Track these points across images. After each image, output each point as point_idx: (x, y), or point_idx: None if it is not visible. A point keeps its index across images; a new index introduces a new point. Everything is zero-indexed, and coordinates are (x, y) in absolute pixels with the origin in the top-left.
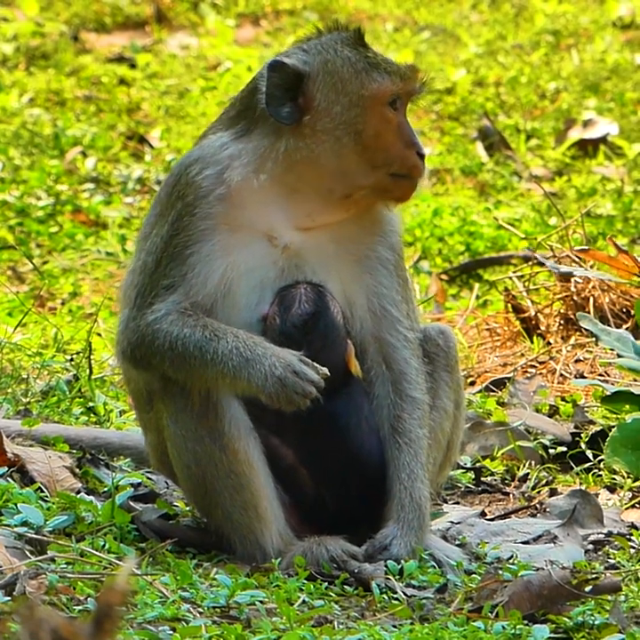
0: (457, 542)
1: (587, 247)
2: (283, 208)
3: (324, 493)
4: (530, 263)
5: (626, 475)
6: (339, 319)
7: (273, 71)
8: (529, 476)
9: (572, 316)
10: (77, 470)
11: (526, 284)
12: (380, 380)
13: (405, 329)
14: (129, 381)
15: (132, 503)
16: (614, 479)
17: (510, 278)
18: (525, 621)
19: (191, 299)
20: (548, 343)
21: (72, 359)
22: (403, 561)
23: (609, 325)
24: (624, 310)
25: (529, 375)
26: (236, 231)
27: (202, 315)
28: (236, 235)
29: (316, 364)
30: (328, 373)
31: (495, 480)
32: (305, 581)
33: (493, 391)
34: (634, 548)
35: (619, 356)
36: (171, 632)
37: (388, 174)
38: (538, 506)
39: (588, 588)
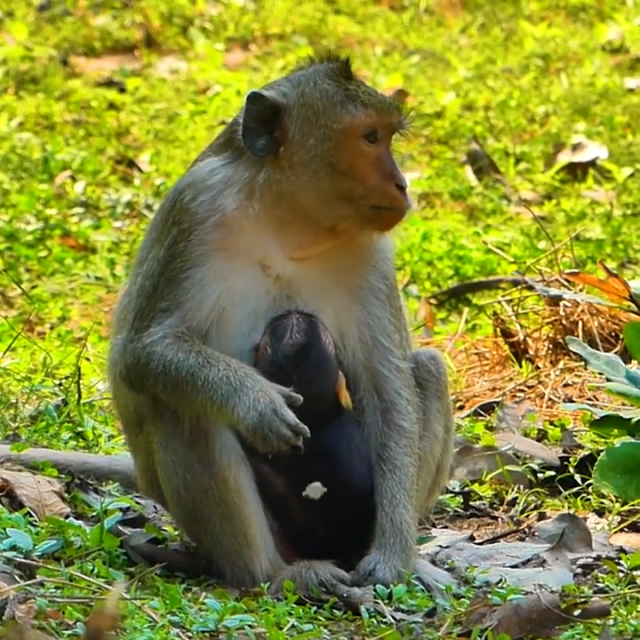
0: (446, 566)
1: (577, 270)
2: (275, 238)
3: (314, 521)
4: (519, 287)
5: (614, 499)
6: (330, 350)
7: (251, 103)
8: (517, 500)
9: (560, 341)
10: (66, 495)
11: (515, 308)
12: (370, 408)
13: (397, 359)
14: (119, 404)
15: (120, 528)
16: (603, 503)
17: (499, 302)
18: None
19: (187, 323)
20: (537, 367)
21: (61, 384)
22: (391, 585)
23: (598, 349)
24: (613, 334)
25: (517, 399)
26: (231, 258)
27: (197, 341)
28: (231, 262)
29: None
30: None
31: (484, 504)
32: (294, 605)
33: (482, 415)
34: (622, 571)
35: (608, 379)
36: None
37: (368, 206)
38: (526, 530)
39: (577, 612)
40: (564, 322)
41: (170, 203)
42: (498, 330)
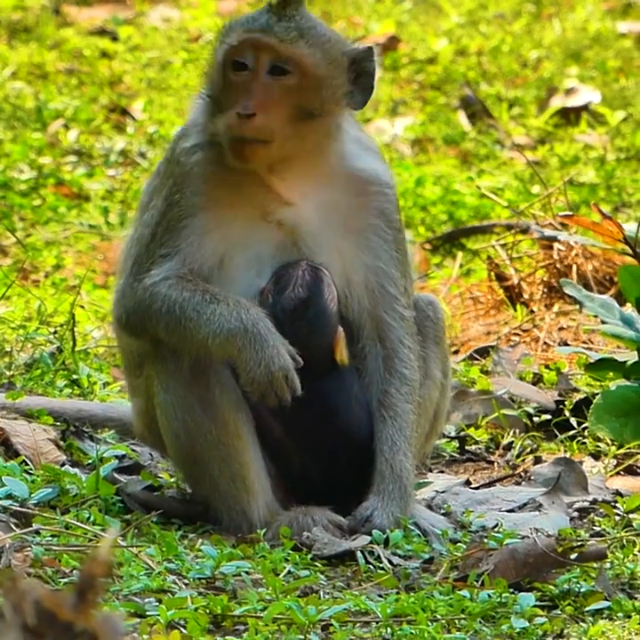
0: (442, 511)
1: (571, 213)
2: (260, 179)
3: (311, 466)
4: (513, 231)
5: (610, 442)
6: (331, 308)
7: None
8: (513, 445)
9: (555, 284)
10: (62, 443)
11: (509, 252)
12: (372, 356)
13: (402, 307)
14: (121, 345)
15: (116, 475)
16: (599, 446)
17: (493, 247)
18: (511, 590)
19: (188, 266)
20: (532, 311)
21: (56, 332)
22: (388, 531)
23: (592, 293)
24: (607, 277)
25: (512, 343)
26: (229, 206)
27: (201, 281)
28: (229, 209)
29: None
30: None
31: (479, 449)
32: (290, 551)
33: (477, 360)
34: (619, 515)
35: (603, 322)
36: (156, 604)
37: (227, 139)
38: (522, 474)
39: (573, 556)
40: (558, 265)
41: (168, 152)
42: (492, 274)
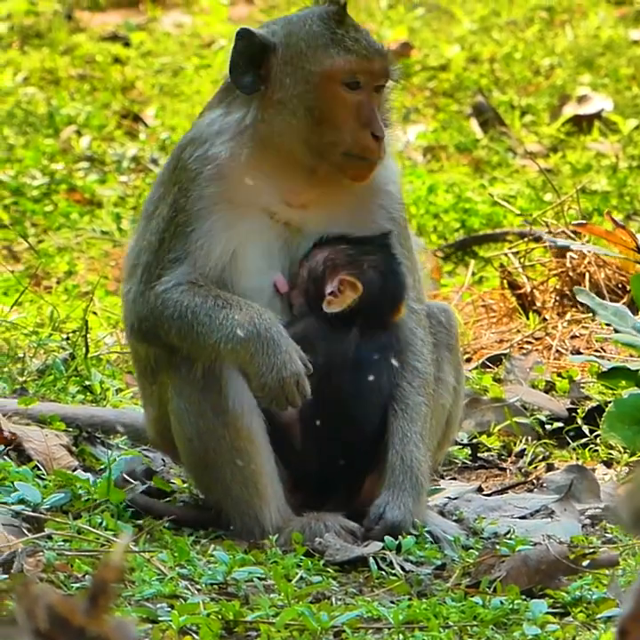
0: (454, 518)
1: (584, 222)
2: (271, 183)
3: (312, 450)
4: (525, 239)
5: (622, 449)
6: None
7: (239, 39)
8: (525, 452)
9: (567, 292)
10: (74, 448)
11: (522, 260)
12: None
13: (411, 300)
14: (134, 351)
15: (127, 477)
16: (611, 454)
17: (506, 255)
18: (523, 596)
19: (199, 270)
20: (544, 319)
21: (68, 338)
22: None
23: (605, 301)
24: (620, 286)
25: (525, 351)
26: (235, 208)
27: (213, 286)
28: (236, 211)
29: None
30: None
31: (492, 456)
32: (302, 557)
33: (489, 367)
34: None
35: (615, 331)
36: (169, 609)
37: (339, 153)
38: (535, 481)
39: (585, 563)
40: (570, 274)
41: (173, 160)
42: (505, 282)
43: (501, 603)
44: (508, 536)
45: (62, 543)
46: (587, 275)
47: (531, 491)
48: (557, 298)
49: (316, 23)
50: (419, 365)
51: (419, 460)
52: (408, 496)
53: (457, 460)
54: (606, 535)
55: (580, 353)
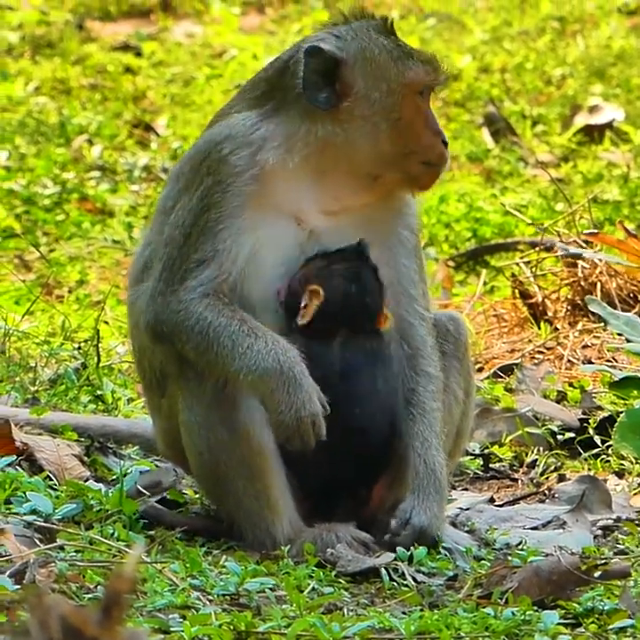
0: (466, 528)
1: (596, 231)
2: (311, 191)
3: (321, 460)
4: (537, 249)
5: (634, 460)
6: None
7: (310, 56)
8: (537, 462)
9: (579, 302)
10: (86, 458)
11: (533, 269)
12: (397, 357)
13: (421, 308)
14: (141, 364)
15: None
16: (623, 465)
17: (517, 264)
18: (535, 607)
19: (223, 275)
20: (556, 329)
21: (80, 347)
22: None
23: (617, 310)
24: (631, 295)
25: (536, 361)
26: (266, 210)
27: (238, 308)
28: (265, 214)
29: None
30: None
31: (503, 466)
32: (314, 568)
33: (501, 377)
34: None
35: (627, 340)
36: (181, 620)
37: (419, 162)
38: (546, 492)
39: (597, 574)
40: (582, 283)
41: (203, 154)
42: (516, 291)
43: (513, 614)
44: (520, 547)
45: (74, 554)
46: (598, 284)
47: (542, 501)
48: (569, 307)
49: (379, 37)
50: (431, 370)
51: (440, 463)
52: (433, 500)
53: (469, 471)
54: (618, 546)
55: (591, 362)
